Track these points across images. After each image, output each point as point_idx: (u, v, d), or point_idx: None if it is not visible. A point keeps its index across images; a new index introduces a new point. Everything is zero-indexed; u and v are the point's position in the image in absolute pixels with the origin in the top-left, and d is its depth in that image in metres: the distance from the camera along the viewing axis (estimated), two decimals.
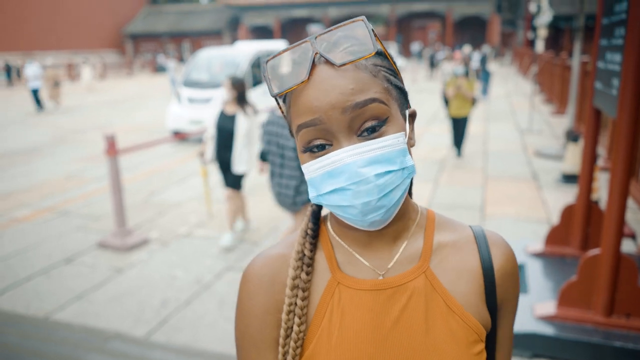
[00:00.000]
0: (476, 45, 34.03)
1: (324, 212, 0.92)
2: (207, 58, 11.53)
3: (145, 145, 5.98)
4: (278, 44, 13.18)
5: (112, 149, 4.80)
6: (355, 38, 0.72)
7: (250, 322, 0.83)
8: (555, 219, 5.40)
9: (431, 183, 7.04)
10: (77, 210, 6.30)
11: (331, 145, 0.72)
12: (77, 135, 11.75)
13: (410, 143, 0.79)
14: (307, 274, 0.82)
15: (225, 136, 4.84)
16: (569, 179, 6.75)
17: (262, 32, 42.74)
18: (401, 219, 0.82)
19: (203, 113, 10.00)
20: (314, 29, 41.31)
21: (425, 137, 10.52)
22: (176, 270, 4.49)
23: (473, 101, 8.09)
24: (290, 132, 0.79)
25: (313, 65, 0.71)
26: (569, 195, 6.19)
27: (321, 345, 0.79)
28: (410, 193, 0.94)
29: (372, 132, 0.71)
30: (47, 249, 5.07)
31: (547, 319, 3.28)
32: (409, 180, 0.75)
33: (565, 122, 11.02)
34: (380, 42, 0.74)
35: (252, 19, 42.48)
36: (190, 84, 10.96)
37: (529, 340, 3.19)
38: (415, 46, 37.87)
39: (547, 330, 3.20)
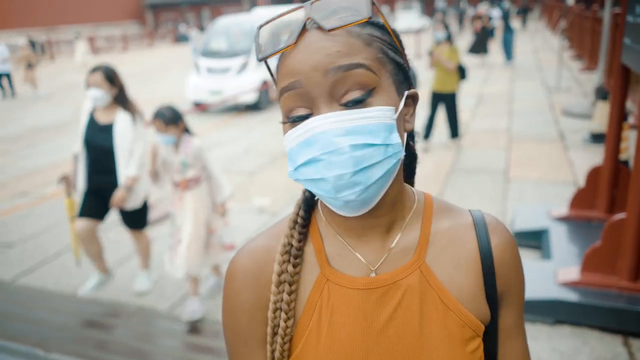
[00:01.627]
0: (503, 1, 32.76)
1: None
2: (225, 27, 11.42)
3: None
4: (297, 10, 12.93)
5: None
6: (353, 7, 0.68)
7: (239, 319, 0.80)
8: (582, 180, 5.25)
9: (454, 147, 6.90)
10: None
11: (312, 114, 0.68)
12: None
13: (407, 127, 0.75)
14: (295, 266, 0.77)
15: (99, 155, 3.43)
16: (597, 138, 6.52)
17: None
18: (394, 208, 0.77)
19: (222, 83, 9.96)
20: None
21: None
22: None
23: (462, 73, 6.55)
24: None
25: (304, 30, 0.69)
26: (597, 155, 6.00)
27: (309, 345, 0.76)
28: (412, 182, 0.90)
29: (356, 104, 0.67)
30: None
31: (571, 285, 3.21)
32: (394, 161, 0.69)
33: (595, 78, 10.59)
34: (382, 15, 0.71)
35: None
36: (208, 53, 10.91)
37: (551, 307, 3.15)
38: (439, 3, 36.76)
39: (570, 296, 3.14)
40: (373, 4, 0.68)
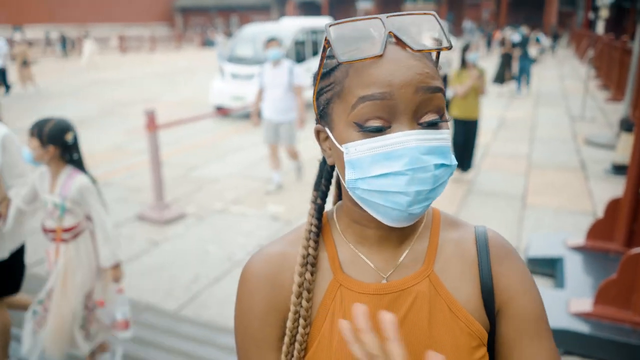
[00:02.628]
0: (533, 25, 32.59)
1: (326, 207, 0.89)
2: (252, 34, 11.53)
3: (186, 120, 6.08)
4: (324, 21, 13.02)
5: (152, 124, 4.89)
6: (426, 28, 0.72)
7: (251, 322, 0.82)
8: (601, 211, 5.17)
9: (473, 169, 6.84)
10: (120, 182, 6.48)
11: (389, 128, 0.69)
12: (124, 108, 12.06)
13: None
14: (312, 274, 0.80)
15: None
16: (619, 170, 6.43)
17: (309, 8, 42.39)
18: None
19: (245, 89, 10.04)
20: (363, 5, 40.62)
21: None
22: (209, 246, 4.57)
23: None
24: (321, 109, 0.76)
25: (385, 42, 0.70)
26: (618, 187, 5.90)
27: (322, 349, 0.78)
28: None
29: (432, 125, 0.70)
30: None
31: (583, 316, 3.16)
32: (448, 180, 0.74)
33: (620, 109, 10.47)
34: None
35: None
36: (234, 59, 11.01)
37: (561, 337, 3.09)
38: (467, 24, 36.74)
39: (582, 327, 3.08)
40: (444, 29, 0.72)
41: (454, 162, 0.72)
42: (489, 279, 0.80)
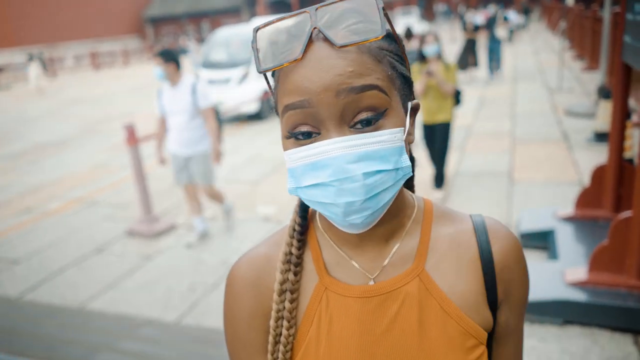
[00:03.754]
0: (505, 5, 32.67)
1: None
2: (224, 37, 11.47)
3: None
4: None
5: (132, 138, 4.84)
6: (362, 15, 0.64)
7: (238, 326, 0.81)
8: (587, 180, 5.22)
9: (457, 151, 6.88)
10: (105, 200, 6.42)
11: (319, 134, 0.65)
12: (102, 125, 11.93)
13: (410, 139, 0.72)
14: (295, 274, 0.78)
15: None
16: (601, 137, 6.50)
17: (280, 7, 42.23)
18: (395, 217, 0.76)
19: (223, 94, 9.99)
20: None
21: None
22: (203, 254, 4.54)
23: (457, 98, 4.99)
24: (276, 111, 0.72)
25: (310, 41, 0.64)
26: (601, 154, 5.97)
27: (309, 354, 0.76)
28: (411, 187, 0.89)
29: (367, 124, 0.64)
30: (78, 239, 5.19)
31: (579, 285, 3.19)
32: (402, 182, 0.68)
33: (597, 78, 10.58)
34: (390, 23, 0.67)
35: None
36: (209, 65, 10.94)
37: (559, 307, 3.12)
38: (439, 7, 36.85)
39: (579, 296, 3.12)
40: (383, 10, 0.64)
41: (402, 164, 0.66)
42: (492, 270, 0.77)
